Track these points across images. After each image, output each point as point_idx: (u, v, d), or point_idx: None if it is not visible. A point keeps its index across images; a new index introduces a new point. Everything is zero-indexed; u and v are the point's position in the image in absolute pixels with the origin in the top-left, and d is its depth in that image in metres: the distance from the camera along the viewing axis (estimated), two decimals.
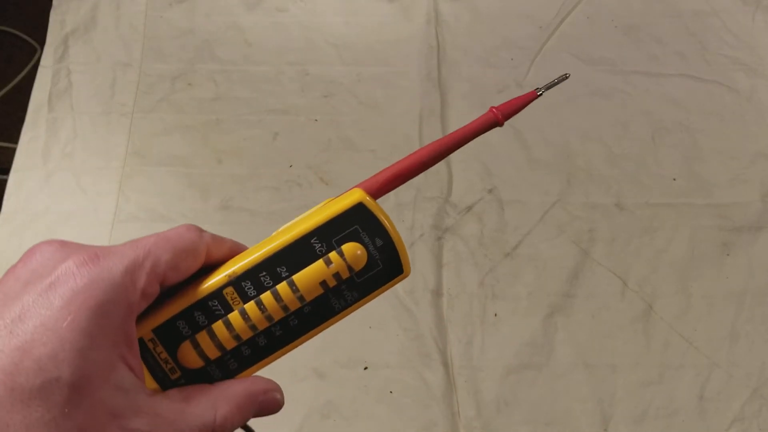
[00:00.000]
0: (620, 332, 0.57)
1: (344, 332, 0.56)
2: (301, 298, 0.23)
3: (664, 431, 0.54)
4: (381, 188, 0.25)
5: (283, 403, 0.25)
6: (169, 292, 0.23)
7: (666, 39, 0.70)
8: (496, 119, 0.26)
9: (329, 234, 0.23)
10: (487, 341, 0.56)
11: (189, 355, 0.23)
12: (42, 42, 0.70)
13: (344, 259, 0.23)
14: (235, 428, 0.23)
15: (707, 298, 0.58)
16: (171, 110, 0.66)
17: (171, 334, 0.23)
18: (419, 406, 0.54)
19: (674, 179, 0.63)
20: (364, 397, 0.54)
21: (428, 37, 0.70)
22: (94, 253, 0.20)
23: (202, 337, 0.23)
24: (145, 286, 0.21)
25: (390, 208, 0.61)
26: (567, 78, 0.28)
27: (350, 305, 0.24)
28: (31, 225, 0.60)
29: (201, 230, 0.23)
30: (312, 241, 0.23)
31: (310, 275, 0.23)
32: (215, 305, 0.23)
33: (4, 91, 0.76)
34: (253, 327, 0.23)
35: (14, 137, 0.65)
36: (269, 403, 0.24)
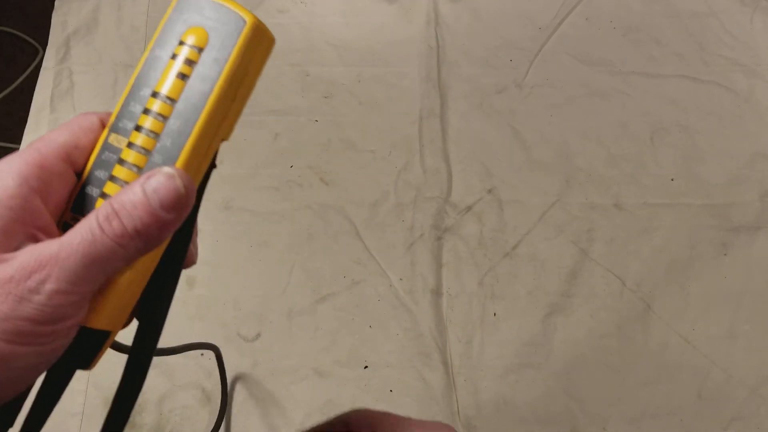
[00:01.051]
0: (619, 332, 0.57)
1: (344, 332, 0.57)
2: (171, 101, 0.23)
3: (662, 430, 0.54)
4: None
5: (187, 189, 0.22)
6: None
7: (664, 40, 0.70)
8: None
9: (167, 38, 0.24)
10: (487, 341, 0.56)
11: None
12: (44, 43, 0.70)
13: (186, 44, 0.23)
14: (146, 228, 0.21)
15: (706, 298, 0.58)
16: None
17: (86, 203, 0.23)
18: (419, 406, 0.54)
19: (673, 179, 0.63)
20: (365, 397, 0.54)
21: (428, 38, 0.70)
22: None
23: (109, 187, 0.23)
24: (43, 161, 0.22)
25: (390, 208, 0.62)
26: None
27: (217, 79, 0.24)
28: None
29: (91, 112, 0.25)
30: (156, 53, 0.24)
31: (165, 76, 0.23)
32: (108, 156, 0.24)
33: (6, 92, 0.77)
34: (144, 151, 0.23)
35: (17, 138, 0.66)
36: (164, 189, 0.22)
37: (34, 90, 0.67)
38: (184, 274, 0.64)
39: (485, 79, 0.68)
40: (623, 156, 0.64)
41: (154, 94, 0.23)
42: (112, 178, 0.23)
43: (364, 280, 0.59)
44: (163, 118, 0.23)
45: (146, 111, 0.23)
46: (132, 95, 0.24)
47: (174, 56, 0.24)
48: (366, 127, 0.66)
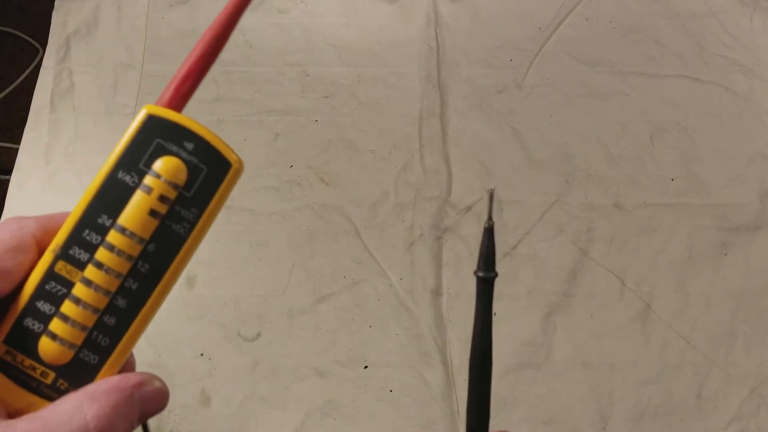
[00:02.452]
0: (619, 331, 0.57)
1: (344, 332, 0.57)
2: (140, 240, 0.21)
3: (662, 430, 0.54)
4: (173, 97, 0.22)
5: (168, 392, 0.22)
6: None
7: (664, 40, 0.70)
8: None
9: (133, 161, 0.21)
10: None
11: (53, 351, 0.20)
12: (44, 43, 0.70)
13: (162, 179, 0.21)
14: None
15: (705, 298, 0.58)
16: None
17: (24, 338, 0.20)
18: (419, 405, 0.54)
19: (672, 179, 0.63)
20: (364, 396, 0.54)
21: (428, 39, 0.70)
22: None
23: (57, 325, 0.20)
24: None
25: (390, 208, 0.62)
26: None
27: (196, 223, 0.22)
28: None
29: (21, 219, 0.21)
30: (119, 176, 0.21)
31: (134, 211, 0.21)
32: (54, 287, 0.21)
33: (6, 91, 0.77)
34: (105, 292, 0.21)
35: (16, 138, 0.66)
36: (151, 395, 0.21)
37: (34, 90, 0.67)
38: (185, 273, 0.64)
39: (485, 79, 0.68)
40: (623, 156, 0.64)
41: (120, 229, 0.21)
42: (61, 316, 0.20)
43: (364, 280, 0.59)
44: (130, 258, 0.21)
45: (108, 246, 0.21)
46: (86, 221, 0.21)
47: (145, 187, 0.21)
48: (366, 127, 0.66)
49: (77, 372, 0.21)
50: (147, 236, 0.21)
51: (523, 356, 0.56)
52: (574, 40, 0.70)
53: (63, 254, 0.21)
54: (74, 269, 0.21)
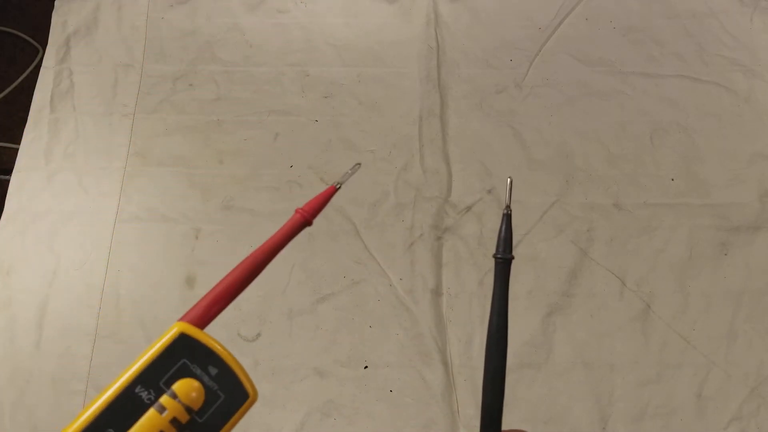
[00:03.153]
0: (619, 331, 0.57)
1: (344, 332, 0.57)
2: None
3: (662, 430, 0.54)
4: (203, 316, 0.23)
5: None
6: None
7: (664, 40, 0.70)
8: (304, 219, 0.26)
9: (154, 377, 0.21)
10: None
11: None
12: (44, 43, 0.70)
13: (178, 401, 0.20)
14: None
15: (705, 298, 0.58)
16: (172, 111, 0.66)
17: None
18: (419, 405, 0.54)
19: (672, 179, 0.63)
20: (365, 396, 0.54)
21: (428, 38, 0.70)
22: None
23: None
24: None
25: (390, 208, 0.62)
26: (359, 167, 0.28)
27: None
28: (33, 225, 0.61)
29: None
30: (137, 390, 0.20)
31: (143, 430, 0.20)
32: None
33: (6, 91, 0.77)
34: None
35: (16, 138, 0.66)
36: None
37: (34, 90, 0.67)
38: (184, 274, 0.64)
39: (485, 79, 0.68)
40: (623, 156, 0.64)
41: None
42: None
43: (364, 280, 0.59)
44: None
45: None
46: (93, 428, 0.20)
47: (159, 407, 0.20)
48: (366, 127, 0.66)
49: None
50: None
51: (523, 356, 0.56)
52: (574, 40, 0.70)
53: None
54: None
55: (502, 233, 0.29)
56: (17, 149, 0.65)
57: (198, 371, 0.21)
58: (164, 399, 0.20)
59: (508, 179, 0.31)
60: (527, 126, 0.66)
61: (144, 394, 0.20)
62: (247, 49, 0.70)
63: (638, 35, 0.70)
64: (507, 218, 0.29)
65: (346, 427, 0.53)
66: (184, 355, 0.21)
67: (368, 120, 0.66)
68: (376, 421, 0.54)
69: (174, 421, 0.20)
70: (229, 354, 0.22)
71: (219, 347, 0.22)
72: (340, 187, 0.27)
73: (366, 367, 0.56)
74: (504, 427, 0.29)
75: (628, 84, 0.68)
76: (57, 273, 0.59)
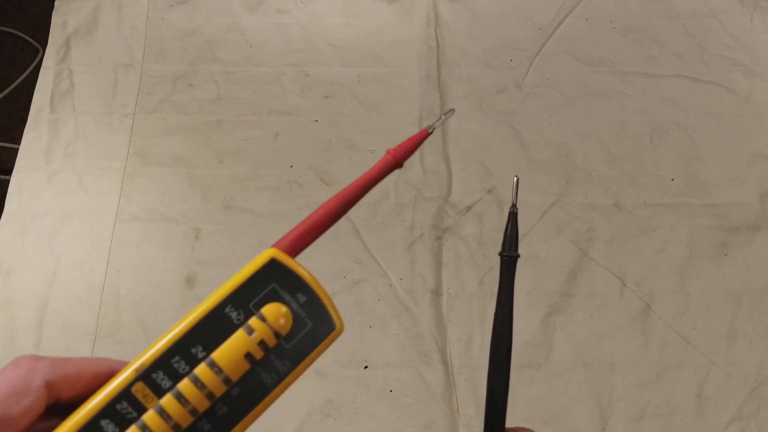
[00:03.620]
0: (619, 331, 0.57)
1: (344, 332, 0.57)
2: (226, 379, 0.20)
3: (662, 430, 0.54)
4: (294, 245, 0.23)
5: None
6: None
7: (664, 40, 0.70)
8: (395, 161, 0.26)
9: (245, 299, 0.21)
10: (487, 340, 0.56)
11: None
12: (44, 43, 0.70)
13: (267, 324, 0.20)
14: None
15: (705, 298, 0.58)
16: (172, 111, 0.66)
17: None
18: (419, 405, 0.54)
19: (672, 179, 0.63)
20: (365, 396, 0.54)
21: (428, 38, 0.70)
22: None
23: None
24: None
25: (390, 208, 0.62)
26: (453, 112, 0.29)
27: (284, 377, 0.20)
28: (33, 225, 0.61)
29: (35, 360, 0.19)
30: (227, 310, 0.20)
31: (231, 349, 0.20)
32: (125, 408, 0.19)
33: (6, 91, 0.77)
34: (175, 427, 0.19)
35: (17, 138, 0.66)
36: None
37: (34, 90, 0.67)
38: (184, 274, 0.64)
39: (485, 79, 0.68)
40: (623, 156, 0.64)
41: (210, 363, 0.20)
42: None
43: (364, 280, 0.59)
44: (210, 396, 0.19)
45: (193, 378, 0.19)
46: (181, 347, 0.20)
47: (248, 328, 0.20)
48: (366, 127, 0.66)
49: None
50: (235, 378, 0.20)
51: (524, 356, 0.56)
52: (574, 40, 0.70)
53: (145, 376, 0.19)
54: (151, 394, 0.19)
55: (508, 231, 0.30)
56: (17, 149, 0.65)
57: (287, 297, 0.21)
58: (253, 321, 0.20)
59: (515, 178, 0.31)
60: (527, 126, 0.66)
61: (234, 315, 0.20)
62: (247, 49, 0.70)
63: (638, 35, 0.70)
64: (513, 216, 0.30)
65: (346, 427, 0.53)
66: (274, 280, 0.21)
67: (368, 120, 0.66)
68: (376, 421, 0.54)
69: (261, 344, 0.20)
70: (318, 284, 0.22)
71: (308, 276, 0.22)
72: (432, 132, 0.27)
73: (366, 367, 0.56)
74: (507, 425, 0.29)
75: (628, 84, 0.68)
76: (57, 273, 0.59)
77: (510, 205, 0.30)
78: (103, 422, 0.19)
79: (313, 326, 0.21)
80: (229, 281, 0.21)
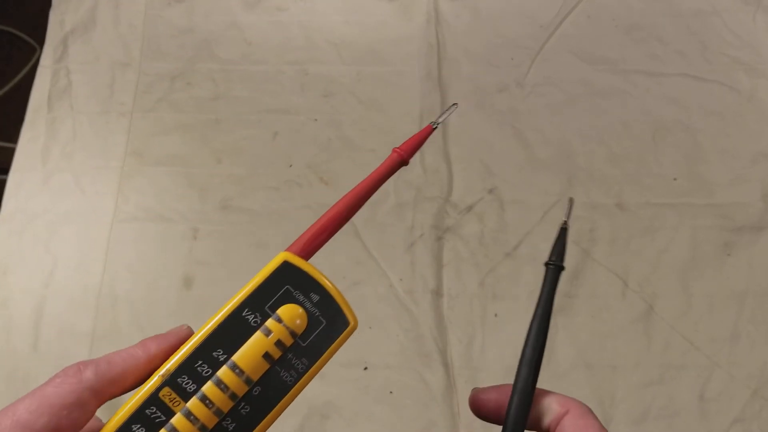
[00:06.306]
0: (621, 332, 0.56)
1: None
2: (247, 380, 0.21)
3: (664, 431, 0.54)
4: (306, 247, 0.24)
5: None
6: None
7: (667, 38, 0.70)
8: (401, 159, 0.26)
9: (260, 301, 0.22)
10: (488, 342, 0.56)
11: None
12: (41, 42, 0.70)
13: (283, 324, 0.21)
14: None
15: (708, 298, 0.58)
16: (170, 110, 0.66)
17: None
18: (419, 407, 0.54)
19: (675, 179, 0.63)
20: (364, 398, 0.54)
21: (428, 37, 0.69)
22: None
23: None
24: None
25: (390, 208, 0.61)
26: (456, 106, 0.29)
27: (302, 375, 0.22)
28: (30, 225, 0.60)
29: (81, 370, 0.21)
30: (244, 313, 0.22)
31: (250, 351, 0.21)
32: (154, 412, 0.20)
33: (3, 90, 0.76)
34: (201, 428, 0.20)
35: (13, 137, 0.65)
36: None
37: (31, 89, 0.67)
38: (182, 274, 0.63)
39: (486, 77, 0.68)
40: (625, 155, 0.64)
41: (231, 365, 0.21)
42: None
43: (364, 280, 0.58)
44: (234, 397, 0.21)
45: (217, 381, 0.21)
46: (202, 351, 0.21)
47: (265, 330, 0.21)
48: (366, 127, 0.65)
49: None
50: (255, 378, 0.21)
51: None
52: (576, 38, 0.70)
53: (171, 381, 0.21)
54: (178, 398, 0.21)
55: (558, 244, 0.31)
56: (14, 149, 0.64)
57: (301, 297, 0.22)
58: (270, 322, 0.22)
59: (570, 199, 0.33)
60: (529, 125, 0.65)
61: (251, 318, 0.22)
62: (245, 47, 0.69)
63: (641, 33, 0.70)
64: (563, 231, 0.32)
65: (346, 429, 0.53)
66: (288, 281, 0.22)
67: (368, 119, 0.66)
68: (376, 423, 0.53)
69: (279, 344, 0.21)
70: (331, 283, 0.23)
71: (320, 276, 0.23)
72: (437, 127, 0.28)
73: (366, 368, 0.55)
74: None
75: (631, 83, 0.67)
76: (54, 273, 0.58)
77: (564, 220, 0.31)
78: (135, 427, 0.20)
79: (328, 324, 0.22)
80: (245, 286, 0.22)
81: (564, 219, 0.32)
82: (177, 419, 0.20)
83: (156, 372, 0.21)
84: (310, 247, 0.24)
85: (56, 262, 0.59)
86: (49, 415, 0.19)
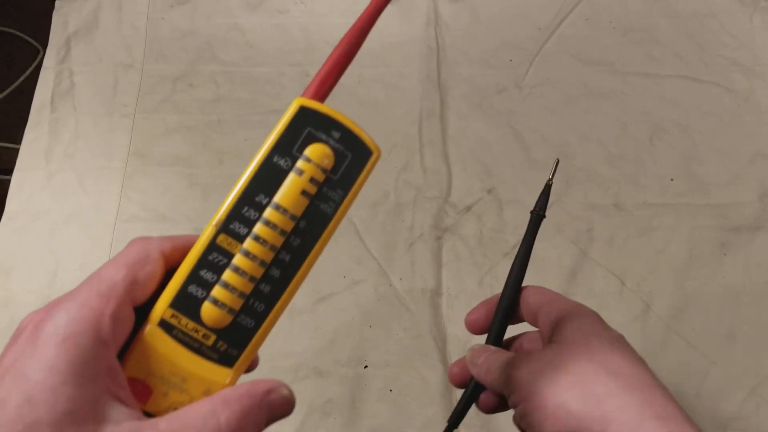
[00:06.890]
0: (618, 331, 0.57)
1: (344, 332, 0.57)
2: (292, 217, 0.23)
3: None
4: (318, 91, 0.25)
5: (294, 400, 0.24)
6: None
7: (664, 40, 0.70)
8: None
9: (287, 146, 0.24)
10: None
11: (214, 315, 0.23)
12: (44, 43, 0.70)
13: (313, 163, 0.23)
14: None
15: (705, 298, 0.58)
16: (172, 111, 0.66)
17: (188, 303, 0.23)
18: (419, 405, 0.54)
19: (672, 179, 0.63)
20: (365, 396, 0.54)
21: (428, 39, 0.70)
22: (54, 301, 0.21)
23: (219, 292, 0.23)
24: (113, 310, 0.21)
25: (390, 208, 0.62)
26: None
27: (340, 204, 0.24)
28: (33, 225, 0.61)
29: (146, 238, 0.24)
30: (275, 160, 0.23)
31: (288, 191, 0.23)
32: (216, 257, 0.23)
33: (6, 92, 0.77)
34: (261, 263, 0.23)
35: (17, 138, 0.66)
36: (278, 403, 0.23)
37: (34, 90, 0.67)
38: None
39: (485, 79, 0.68)
40: (623, 156, 0.64)
41: (275, 206, 0.23)
42: (223, 284, 0.23)
43: (364, 280, 0.59)
44: (283, 233, 0.23)
45: (264, 221, 0.23)
46: (246, 199, 0.23)
47: (297, 170, 0.23)
48: (366, 128, 0.65)
49: (235, 335, 0.23)
50: (299, 214, 0.23)
51: None
52: (574, 40, 0.70)
53: (224, 228, 0.23)
54: (234, 242, 0.23)
55: (542, 196, 0.37)
56: (17, 149, 0.65)
57: (323, 136, 0.24)
58: (300, 163, 0.23)
59: (557, 159, 0.39)
60: (527, 126, 0.66)
61: (282, 162, 0.23)
62: (247, 49, 0.70)
63: (638, 35, 0.70)
64: (548, 188, 0.38)
65: (346, 427, 0.54)
66: (308, 124, 0.24)
67: (368, 120, 0.66)
68: (376, 421, 0.54)
69: (312, 180, 0.23)
70: (349, 120, 0.25)
71: (338, 114, 0.24)
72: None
73: (366, 366, 0.56)
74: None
75: (628, 84, 0.68)
76: (57, 273, 0.59)
77: (549, 177, 0.38)
78: (202, 272, 0.23)
79: (354, 156, 0.24)
80: (268, 136, 0.24)
81: (549, 177, 0.37)
82: (237, 259, 0.23)
83: (209, 223, 0.23)
84: (323, 89, 0.25)
85: (59, 262, 0.59)
86: (126, 268, 0.22)
